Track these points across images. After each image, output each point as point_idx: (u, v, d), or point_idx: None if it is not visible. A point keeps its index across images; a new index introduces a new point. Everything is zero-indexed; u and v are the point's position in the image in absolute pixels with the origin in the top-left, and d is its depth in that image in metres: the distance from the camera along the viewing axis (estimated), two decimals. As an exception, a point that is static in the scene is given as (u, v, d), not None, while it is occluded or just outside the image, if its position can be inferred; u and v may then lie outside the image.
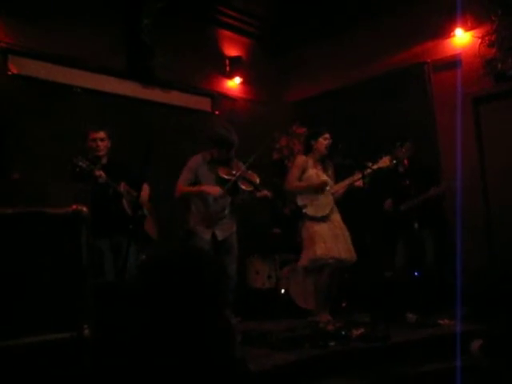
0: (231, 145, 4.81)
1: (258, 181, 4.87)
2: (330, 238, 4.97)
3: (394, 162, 5.21)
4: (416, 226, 5.38)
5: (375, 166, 5.05)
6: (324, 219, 5.04)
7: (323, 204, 5.08)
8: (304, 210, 5.02)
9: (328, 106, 7.20)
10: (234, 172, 4.81)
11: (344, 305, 6.04)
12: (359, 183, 5.08)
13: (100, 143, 4.68)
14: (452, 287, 4.96)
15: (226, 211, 4.95)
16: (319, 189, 5.07)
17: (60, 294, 2.64)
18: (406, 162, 5.63)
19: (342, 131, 6.21)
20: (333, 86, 7.20)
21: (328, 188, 5.14)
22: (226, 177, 4.78)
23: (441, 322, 4.93)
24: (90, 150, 4.69)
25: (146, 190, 4.81)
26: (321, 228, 4.99)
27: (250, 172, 4.92)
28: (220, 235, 4.91)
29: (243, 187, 4.82)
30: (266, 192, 4.88)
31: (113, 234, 4.54)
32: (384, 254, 6.01)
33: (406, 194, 5.49)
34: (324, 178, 5.16)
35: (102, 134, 4.70)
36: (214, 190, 4.79)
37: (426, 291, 5.34)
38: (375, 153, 5.46)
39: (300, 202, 5.07)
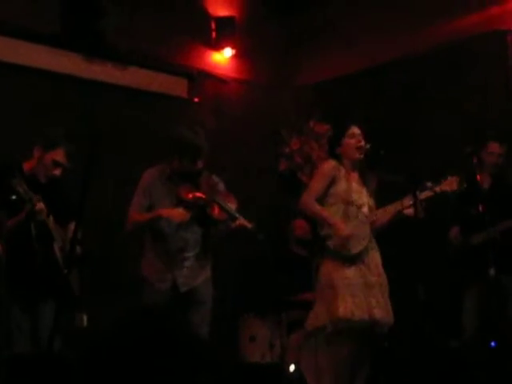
0: (197, 152, 4.89)
1: (233, 206, 4.96)
2: (359, 289, 4.94)
3: (465, 185, 5.18)
4: (492, 271, 5.33)
5: (436, 189, 5.04)
6: (355, 260, 5.00)
7: (357, 236, 5.04)
8: (328, 243, 5.00)
9: (364, 91, 7.26)
10: (200, 193, 4.90)
11: (384, 388, 6.08)
12: (409, 211, 5.08)
13: (58, 173, 4.79)
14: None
15: (192, 250, 5.00)
16: (341, 241, 5.01)
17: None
18: (479, 177, 5.62)
19: (384, 129, 6.41)
20: (370, 62, 7.23)
21: (366, 211, 5.13)
22: (188, 199, 4.89)
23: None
24: (39, 167, 4.76)
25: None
26: (349, 273, 4.96)
27: (224, 193, 5.07)
28: (183, 285, 4.96)
29: (214, 214, 4.92)
30: (243, 221, 4.91)
31: (29, 288, 4.65)
32: (446, 312, 6.11)
33: (477, 224, 5.53)
34: (361, 197, 5.16)
35: (65, 162, 4.80)
36: (176, 213, 4.86)
37: (507, 369, 5.32)
38: (432, 161, 5.75)
39: (323, 229, 5.04)
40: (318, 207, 5.08)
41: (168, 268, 4.96)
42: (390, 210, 5.14)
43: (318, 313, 5.01)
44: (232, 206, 4.96)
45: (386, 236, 5.24)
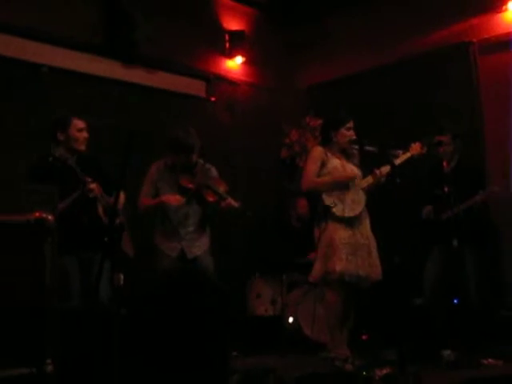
0: (188, 150, 4.98)
1: (222, 189, 5.03)
2: (350, 249, 5.03)
3: (426, 149, 5.32)
4: (455, 243, 5.31)
5: (407, 154, 5.20)
6: (351, 223, 5.09)
7: (354, 201, 5.16)
8: (333, 210, 5.06)
9: (350, 93, 7.17)
10: (197, 180, 5.01)
11: (365, 337, 5.99)
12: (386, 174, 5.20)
13: (86, 134, 4.74)
14: (500, 318, 5.09)
15: (193, 225, 5.10)
16: (348, 182, 5.14)
17: (18, 322, 2.64)
18: (445, 163, 5.64)
19: (366, 125, 6.08)
20: (356, 68, 7.18)
21: (357, 180, 5.21)
22: (187, 186, 5.00)
23: (485, 361, 4.86)
24: (71, 141, 4.69)
25: (121, 197, 4.82)
26: (346, 235, 5.05)
27: (215, 178, 5.13)
28: (189, 252, 5.06)
29: (208, 198, 5.01)
30: (230, 201, 5.00)
31: (82, 249, 4.59)
32: (413, 274, 5.84)
33: (444, 202, 5.48)
34: (352, 169, 5.24)
35: (84, 124, 4.77)
36: (174, 198, 4.97)
37: (466, 323, 5.31)
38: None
39: (327, 200, 5.08)
40: (322, 179, 5.13)
41: (174, 239, 5.04)
42: (369, 180, 5.24)
43: (318, 267, 5.07)
44: (222, 188, 5.02)
45: (371, 213, 5.26)
